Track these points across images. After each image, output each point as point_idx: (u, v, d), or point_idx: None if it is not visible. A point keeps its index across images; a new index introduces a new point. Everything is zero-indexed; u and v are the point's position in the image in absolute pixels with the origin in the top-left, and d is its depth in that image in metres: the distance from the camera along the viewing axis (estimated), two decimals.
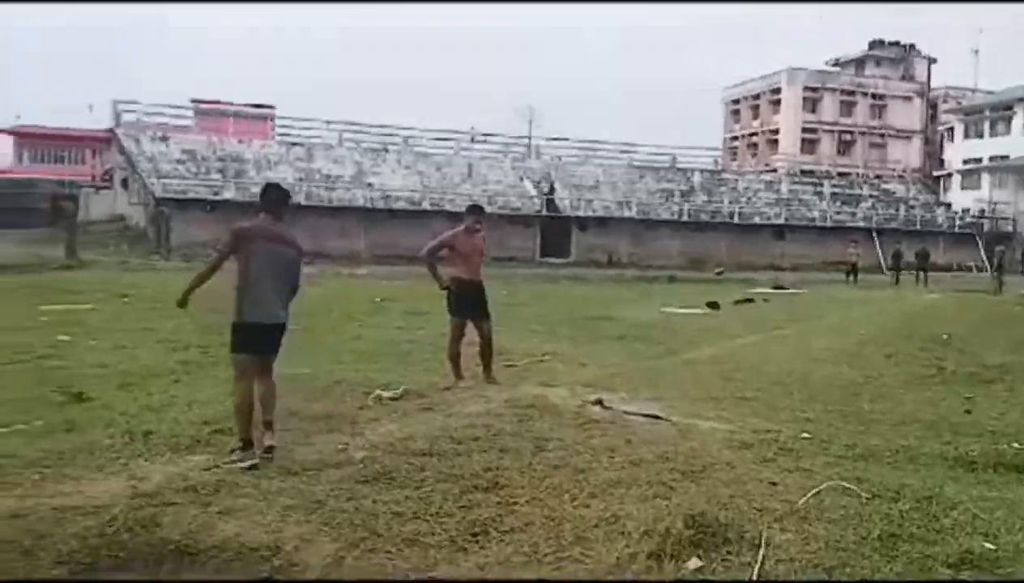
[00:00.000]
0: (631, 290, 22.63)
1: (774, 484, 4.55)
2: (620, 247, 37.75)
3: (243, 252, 5.07)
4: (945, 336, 12.34)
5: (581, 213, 38.60)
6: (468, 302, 7.51)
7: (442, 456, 4.99)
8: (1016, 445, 5.42)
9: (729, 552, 3.50)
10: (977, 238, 43.43)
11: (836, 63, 64.18)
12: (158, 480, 4.36)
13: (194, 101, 42.94)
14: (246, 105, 44.76)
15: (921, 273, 29.78)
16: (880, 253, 38.68)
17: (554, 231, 37.44)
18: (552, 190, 39.45)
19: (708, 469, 4.80)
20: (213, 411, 6.03)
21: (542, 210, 38.30)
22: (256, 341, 5.12)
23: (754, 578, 3.25)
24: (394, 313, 14.36)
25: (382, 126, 41.78)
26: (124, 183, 36.48)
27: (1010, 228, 43.93)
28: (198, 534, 3.70)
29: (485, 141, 44.43)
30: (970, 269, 40.60)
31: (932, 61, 62.02)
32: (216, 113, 42.01)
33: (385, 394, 6.75)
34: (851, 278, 29.02)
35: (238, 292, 5.05)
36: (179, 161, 34.20)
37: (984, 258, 41.89)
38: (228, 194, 32.68)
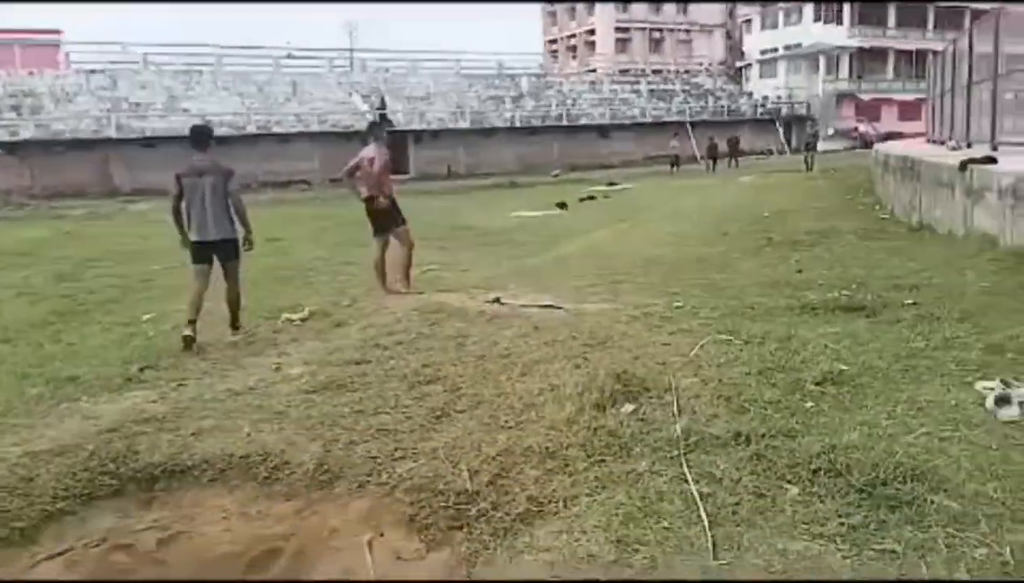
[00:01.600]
0: (477, 199, 23.21)
1: (666, 344, 5.41)
2: (458, 158, 37.97)
3: (182, 188, 6.34)
4: (766, 214, 14.04)
5: (415, 126, 38.22)
6: (385, 218, 7.96)
7: (376, 361, 5.42)
8: (845, 292, 6.63)
9: (651, 397, 4.27)
10: (776, 123, 47.66)
11: None
12: (114, 417, 4.48)
13: None
14: (29, 31, 39.53)
15: (733, 159, 32.63)
16: (694, 144, 41.65)
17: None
18: (383, 104, 38.56)
19: (610, 340, 5.58)
20: (126, 352, 6.04)
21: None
22: (203, 254, 6.50)
23: (675, 412, 4.03)
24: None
25: (190, 45, 38.60)
26: None
27: (804, 112, 48.52)
28: (180, 455, 3.96)
29: (306, 56, 42.31)
30: (771, 152, 44.71)
31: None
32: None
33: (293, 316, 6.98)
34: (674, 169, 31.32)
35: (186, 218, 6.40)
36: None
37: (783, 141, 46.27)
38: (27, 133, 29.28)
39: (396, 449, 3.90)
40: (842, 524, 2.86)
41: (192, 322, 6.22)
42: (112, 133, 30.86)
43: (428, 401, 4.55)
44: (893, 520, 2.89)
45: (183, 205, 6.36)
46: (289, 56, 41.88)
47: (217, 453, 3.95)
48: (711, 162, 32.95)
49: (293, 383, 5.03)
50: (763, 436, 3.66)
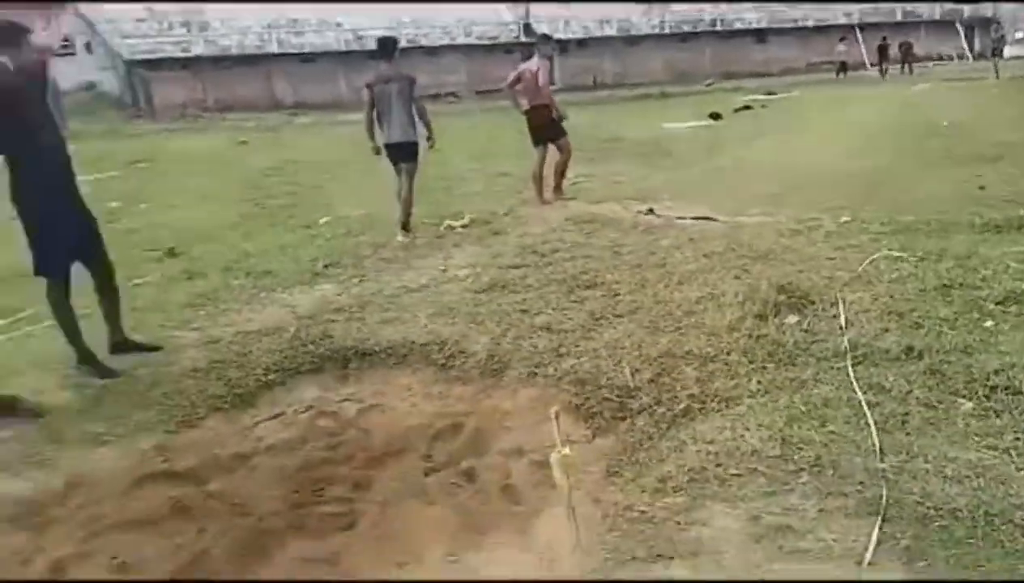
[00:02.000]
0: (626, 109, 22.68)
1: (832, 259, 5.27)
2: (604, 67, 37.05)
3: (373, 96, 6.98)
4: (944, 124, 12.89)
5: (560, 35, 37.42)
6: (546, 129, 8.15)
7: (534, 266, 5.66)
8: None
9: (816, 310, 4.24)
10: (958, 25, 42.72)
11: None
12: (308, 306, 5.03)
13: None
14: None
15: (906, 65, 29.78)
16: (863, 48, 38.23)
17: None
18: (528, 14, 37.99)
19: (772, 253, 5.50)
20: (311, 251, 6.63)
21: (520, 37, 37.13)
22: (391, 155, 7.21)
23: (842, 325, 4.00)
24: None
25: None
26: (88, 47, 34.79)
27: (989, 13, 43.07)
28: (368, 340, 4.41)
29: None
30: (951, 58, 40.34)
31: None
32: None
33: (454, 223, 7.34)
34: (841, 76, 29.02)
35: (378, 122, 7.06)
36: (140, 19, 32.45)
37: (965, 45, 41.52)
38: (198, 49, 31.41)
39: (560, 346, 4.14)
40: (1017, 438, 2.82)
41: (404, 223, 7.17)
42: (274, 48, 32.43)
43: (587, 304, 4.74)
44: None
45: (373, 113, 7.03)
46: None
47: (399, 340, 4.36)
48: (883, 68, 30.16)
49: (460, 283, 5.38)
50: (937, 352, 3.59)
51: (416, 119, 7.08)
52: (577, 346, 4.12)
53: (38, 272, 4.06)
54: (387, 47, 7.14)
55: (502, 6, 38.56)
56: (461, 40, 35.50)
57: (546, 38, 8.79)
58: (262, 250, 6.87)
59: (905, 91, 22.02)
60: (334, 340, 4.42)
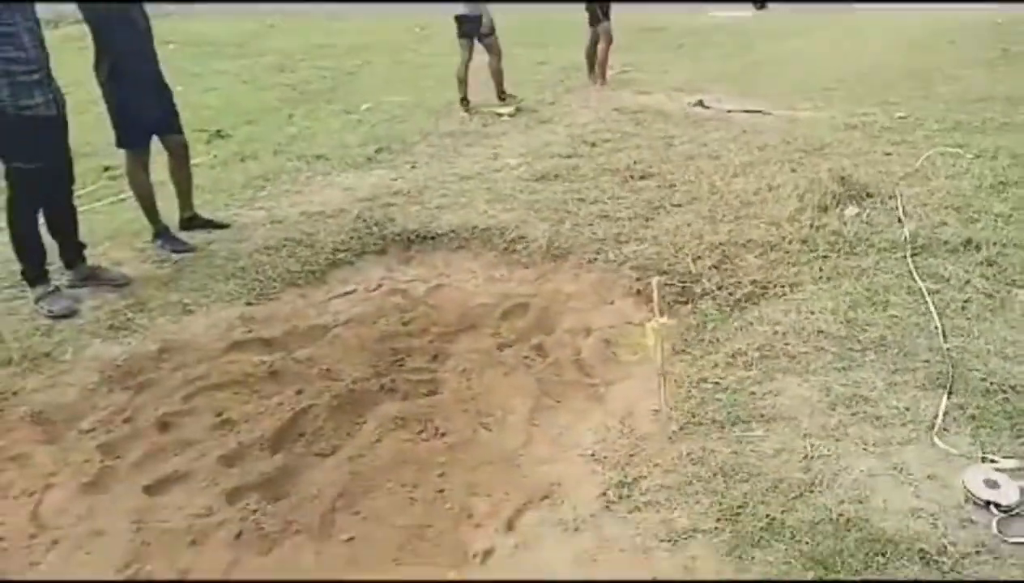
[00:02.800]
0: None
1: (888, 154, 5.26)
2: None
3: None
4: (999, 21, 12.34)
5: None
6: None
7: (586, 156, 5.67)
8: None
9: (874, 202, 4.28)
10: None
11: None
12: (366, 189, 5.12)
13: None
14: None
15: None
16: None
17: None
18: None
19: (827, 147, 5.48)
20: (358, 137, 6.65)
21: None
22: (461, 28, 7.38)
23: (901, 217, 4.04)
24: (442, 40, 14.25)
25: None
26: None
27: None
28: (430, 224, 4.51)
29: None
30: None
31: None
32: None
33: (501, 111, 7.29)
34: None
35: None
36: None
37: None
38: None
39: (619, 233, 4.23)
40: None
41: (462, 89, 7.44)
42: None
43: (643, 194, 4.79)
44: None
45: None
46: None
47: (460, 224, 4.47)
48: None
49: (512, 171, 5.42)
50: (994, 244, 3.65)
51: None
52: (636, 234, 4.21)
53: (120, 144, 4.16)
54: None
55: None
56: None
57: None
58: (309, 134, 6.90)
59: None
60: (396, 223, 4.53)
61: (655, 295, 2.19)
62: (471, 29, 7.39)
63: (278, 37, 15.46)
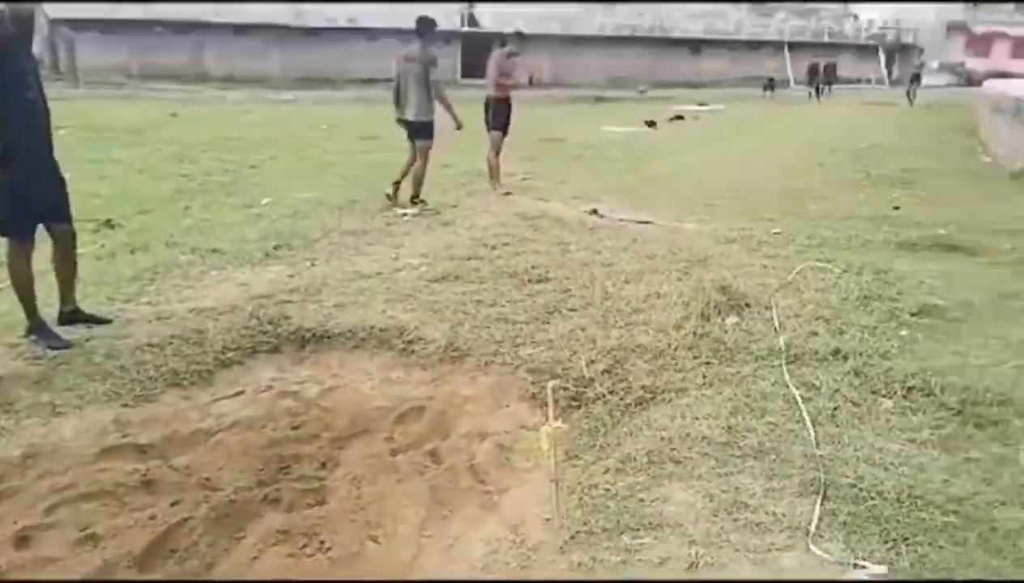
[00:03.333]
0: (564, 111, 23.06)
1: (765, 266, 5.63)
2: (542, 66, 37.37)
3: (398, 71, 7.64)
4: (863, 145, 13.72)
5: (502, 29, 37.56)
6: (507, 118, 8.54)
7: (486, 259, 5.81)
8: (942, 231, 6.67)
9: (752, 312, 4.55)
10: (879, 51, 45.04)
11: None
12: (263, 286, 5.03)
13: None
14: None
15: (828, 86, 31.24)
16: (790, 66, 39.92)
17: (475, 49, 36.51)
18: (472, 3, 38.00)
19: (708, 258, 5.82)
20: (257, 231, 6.58)
21: (462, 26, 37.08)
22: (407, 130, 7.80)
23: (776, 327, 4.32)
24: (349, 139, 14.52)
25: None
26: None
27: (911, 40, 45.62)
28: (326, 323, 4.47)
29: None
30: (869, 81, 42.50)
31: None
32: None
33: (402, 212, 7.41)
34: (768, 92, 30.23)
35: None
36: None
37: (884, 71, 43.80)
38: (128, 13, 30.07)
39: (516, 336, 4.31)
40: (933, 434, 3.15)
41: (396, 184, 7.83)
42: (209, 17, 31.40)
43: (540, 298, 4.93)
44: (980, 436, 3.16)
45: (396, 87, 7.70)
46: None
47: (357, 324, 4.44)
48: (814, 89, 31.39)
49: (413, 271, 5.48)
50: (860, 355, 3.93)
51: (432, 99, 7.55)
52: (532, 337, 4.30)
53: (3, 232, 3.95)
54: (420, 26, 7.59)
55: None
56: (405, 25, 35.14)
57: (517, 35, 9.24)
58: (205, 226, 6.77)
59: (827, 111, 23.19)
60: (291, 321, 4.46)
61: (549, 400, 2.24)
62: (411, 132, 7.78)
63: (181, 127, 15.30)
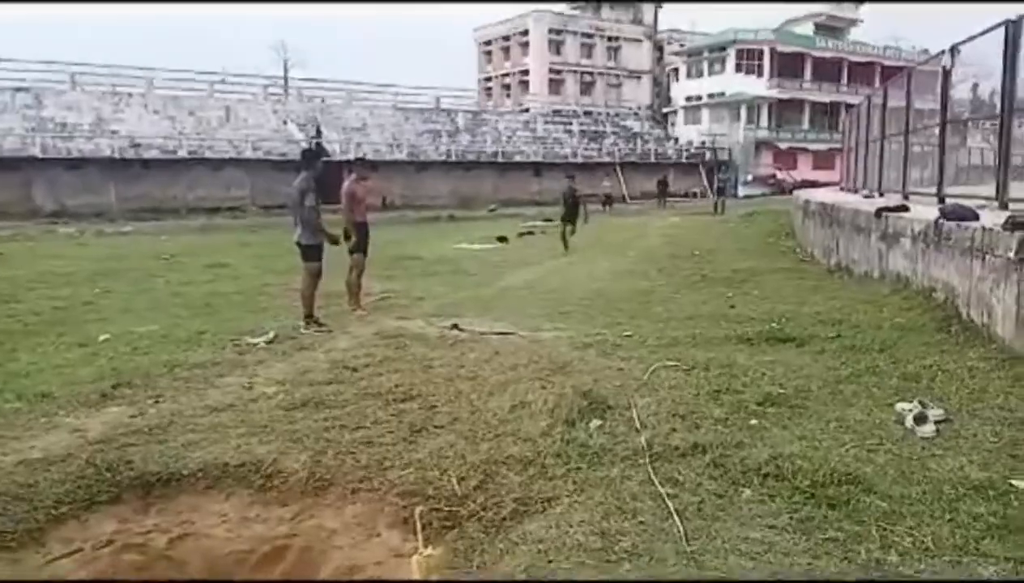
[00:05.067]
0: (418, 230, 23.51)
1: (620, 369, 5.85)
2: (393, 189, 38.21)
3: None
4: (696, 252, 14.86)
5: (351, 156, 38.28)
6: (366, 239, 8.74)
7: (348, 381, 5.67)
8: (775, 324, 7.25)
9: (614, 414, 4.69)
10: (700, 167, 49.80)
11: (576, 5, 68.27)
12: (100, 429, 4.61)
13: None
14: None
15: (662, 199, 34.01)
16: (623, 184, 43.16)
17: (327, 176, 36.82)
18: (319, 133, 38.61)
19: (568, 365, 5.98)
20: (92, 370, 6.09)
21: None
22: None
23: (637, 427, 4.46)
24: (194, 268, 14.00)
25: (119, 67, 37.63)
26: None
27: (727, 157, 50.85)
28: (174, 464, 4.14)
29: (240, 82, 41.92)
30: (695, 195, 46.64)
31: (659, 5, 68.33)
32: None
33: (254, 340, 7.14)
34: (606, 208, 32.41)
35: None
36: None
37: (707, 184, 48.34)
38: None
39: (383, 459, 4.17)
40: (791, 518, 3.32)
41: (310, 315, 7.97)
42: (36, 153, 29.88)
43: (406, 417, 4.84)
44: (833, 515, 3.36)
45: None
46: (223, 81, 41.41)
47: (210, 461, 4.15)
48: (662, 200, 34.11)
49: (270, 400, 5.24)
50: (717, 447, 4.11)
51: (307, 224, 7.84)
52: (401, 458, 4.18)
53: None
54: (304, 156, 8.28)
55: (291, 124, 38.88)
56: (248, 154, 35.04)
57: (361, 161, 9.70)
58: (33, 370, 6.19)
59: (661, 222, 25.06)
60: (133, 466, 4.09)
61: (416, 526, 2.16)
62: (300, 254, 8.04)
63: (5, 266, 14.17)
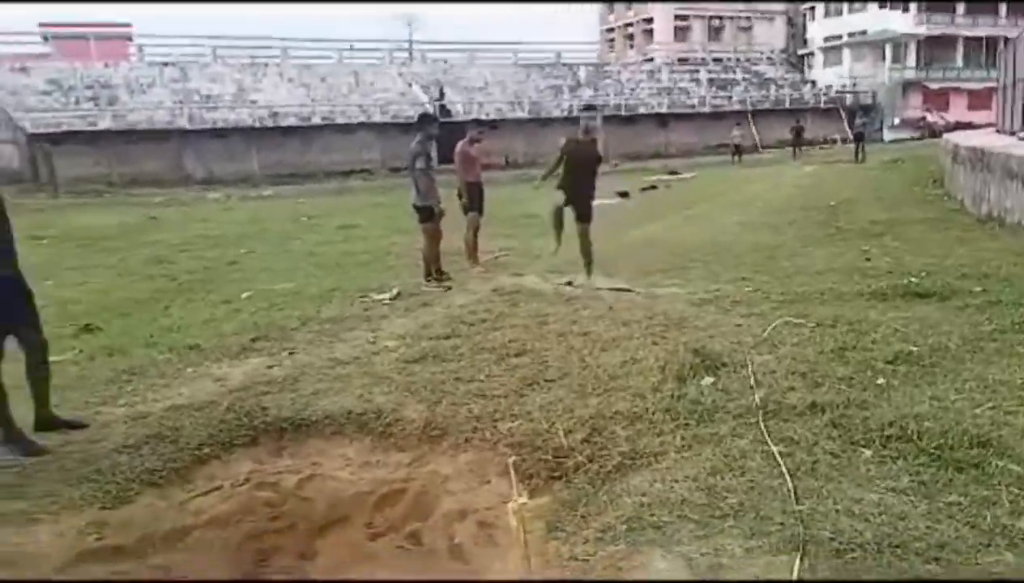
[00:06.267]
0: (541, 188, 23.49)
1: (739, 325, 5.69)
2: (516, 147, 38.31)
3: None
4: (832, 202, 14.04)
5: (474, 116, 38.69)
6: (480, 198, 8.97)
7: (464, 336, 5.84)
8: (913, 278, 6.79)
9: (728, 371, 4.58)
10: (840, 111, 46.64)
11: None
12: (239, 379, 5.02)
13: (43, 25, 39.36)
14: (102, 25, 41.25)
15: (797, 148, 32.19)
16: (756, 133, 41.19)
17: (449, 137, 37.50)
18: (442, 95, 39.20)
19: (684, 321, 5.89)
20: (235, 325, 6.60)
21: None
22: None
23: (752, 385, 4.34)
24: (327, 229, 14.72)
25: (256, 39, 39.72)
26: None
27: (870, 100, 47.35)
28: (304, 411, 4.45)
29: (367, 48, 43.22)
30: (835, 141, 43.82)
31: None
32: (73, 36, 38.54)
33: (379, 297, 7.47)
34: (736, 158, 31.10)
35: None
36: (45, 92, 31.65)
37: (848, 129, 45.27)
38: (105, 123, 30.76)
39: (495, 411, 4.30)
40: (913, 481, 3.15)
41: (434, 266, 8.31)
42: (184, 124, 32.16)
43: (518, 372, 4.94)
44: (960, 479, 3.16)
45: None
46: (351, 48, 42.75)
47: (335, 410, 4.43)
48: (796, 150, 32.20)
49: (391, 354, 5.50)
50: (838, 407, 3.95)
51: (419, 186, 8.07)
52: (512, 411, 4.29)
53: None
54: (419, 120, 8.51)
55: (416, 87, 39.71)
56: (377, 118, 36.17)
57: (478, 122, 9.79)
58: (183, 325, 6.79)
59: (795, 172, 23.80)
60: (268, 412, 4.44)
61: (512, 476, 2.24)
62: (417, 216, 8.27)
63: (160, 230, 15.46)
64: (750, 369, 4.56)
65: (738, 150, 31.74)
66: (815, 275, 7.57)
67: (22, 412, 4.24)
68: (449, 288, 7.81)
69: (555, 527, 3.10)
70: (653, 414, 4.00)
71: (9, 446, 3.99)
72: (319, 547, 3.14)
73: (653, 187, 20.33)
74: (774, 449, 3.48)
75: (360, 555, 3.06)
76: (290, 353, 5.64)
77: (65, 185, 27.03)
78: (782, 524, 2.80)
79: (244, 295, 8.05)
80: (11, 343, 4.14)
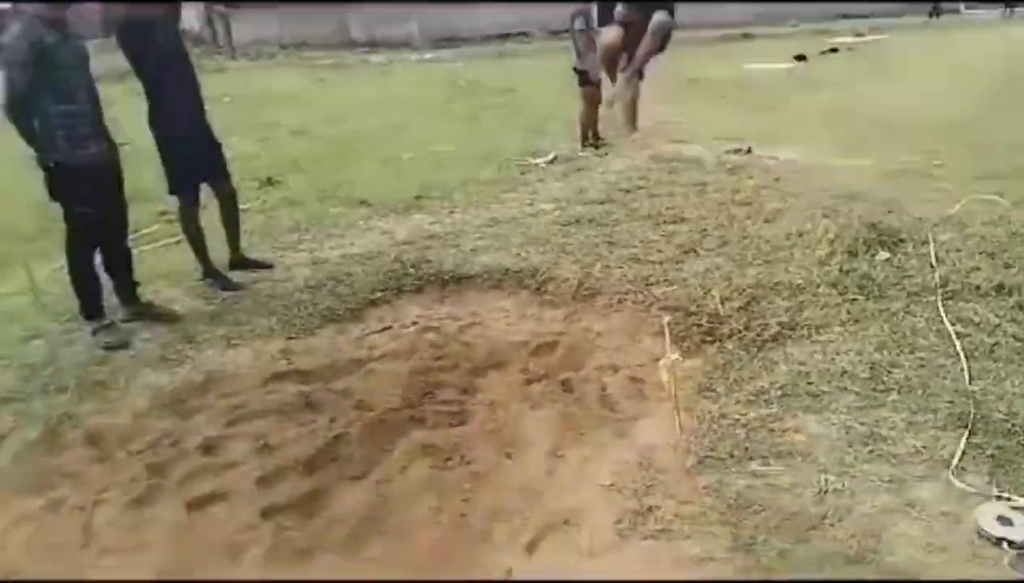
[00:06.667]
0: (708, 51, 22.10)
1: (924, 201, 5.26)
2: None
3: None
4: None
5: None
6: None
7: (620, 202, 5.78)
8: None
9: (907, 248, 4.29)
10: None
11: None
12: (405, 233, 5.32)
13: None
14: None
15: (1011, 5, 27.96)
16: None
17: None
18: None
19: (861, 194, 5.50)
20: (401, 183, 6.90)
21: None
22: None
23: (933, 262, 4.05)
24: (485, 92, 14.73)
25: None
26: None
27: None
28: (464, 265, 4.67)
29: None
30: None
31: None
32: None
33: (536, 161, 7.50)
34: (934, 17, 27.53)
35: None
36: None
37: None
38: None
39: (649, 275, 4.31)
40: None
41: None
42: None
43: (675, 239, 4.87)
44: None
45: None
46: None
47: (493, 266, 4.61)
48: (1010, 7, 27.78)
49: (547, 216, 5.57)
50: None
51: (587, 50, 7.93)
52: (666, 276, 4.28)
53: (172, 191, 4.43)
54: None
55: None
56: None
57: None
58: (353, 181, 7.18)
59: (1007, 36, 20.81)
60: (432, 264, 4.69)
61: (665, 333, 2.27)
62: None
63: (327, 91, 16.10)
64: (931, 246, 4.24)
65: (937, 9, 28.00)
66: (1018, 150, 6.76)
67: (218, 253, 4.76)
68: (607, 154, 7.69)
69: (706, 388, 3.15)
70: (818, 287, 3.85)
71: (208, 281, 4.51)
72: (479, 385, 3.37)
73: (834, 50, 18.53)
74: (950, 328, 3.28)
75: (517, 395, 3.25)
76: (450, 212, 5.86)
77: (240, 48, 28.49)
78: (951, 402, 2.69)
79: (407, 156, 8.34)
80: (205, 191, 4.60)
